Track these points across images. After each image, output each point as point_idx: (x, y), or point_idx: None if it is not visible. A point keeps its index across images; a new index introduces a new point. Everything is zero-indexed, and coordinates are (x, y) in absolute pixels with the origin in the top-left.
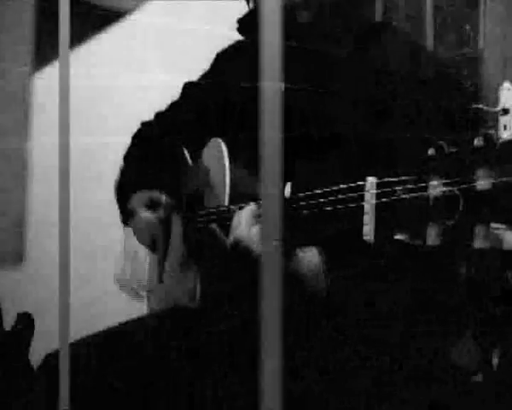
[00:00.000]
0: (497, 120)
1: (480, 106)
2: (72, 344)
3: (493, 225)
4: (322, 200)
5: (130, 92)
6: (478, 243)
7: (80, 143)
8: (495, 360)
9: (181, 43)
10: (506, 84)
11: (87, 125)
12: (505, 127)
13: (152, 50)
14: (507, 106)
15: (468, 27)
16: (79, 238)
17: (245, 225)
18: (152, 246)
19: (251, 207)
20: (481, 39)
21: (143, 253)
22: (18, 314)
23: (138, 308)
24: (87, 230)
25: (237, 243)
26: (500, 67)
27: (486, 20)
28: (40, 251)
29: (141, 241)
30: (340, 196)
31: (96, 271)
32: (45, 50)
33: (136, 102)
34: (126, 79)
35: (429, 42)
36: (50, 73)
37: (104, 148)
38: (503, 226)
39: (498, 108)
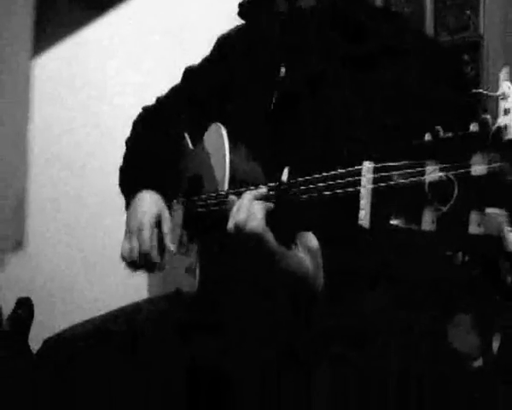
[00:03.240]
0: (496, 105)
1: (480, 91)
2: (66, 331)
3: (488, 210)
4: (319, 184)
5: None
6: (473, 229)
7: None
8: (495, 345)
9: (181, 26)
10: (505, 69)
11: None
12: (506, 112)
13: (151, 34)
14: (507, 106)
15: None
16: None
17: (245, 210)
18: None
19: (252, 193)
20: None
21: (147, 232)
22: (18, 299)
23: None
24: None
25: (237, 230)
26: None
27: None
28: (40, 236)
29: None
30: (337, 181)
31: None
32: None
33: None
34: (127, 64)
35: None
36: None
37: (109, 133)
38: (498, 212)
39: (498, 93)
